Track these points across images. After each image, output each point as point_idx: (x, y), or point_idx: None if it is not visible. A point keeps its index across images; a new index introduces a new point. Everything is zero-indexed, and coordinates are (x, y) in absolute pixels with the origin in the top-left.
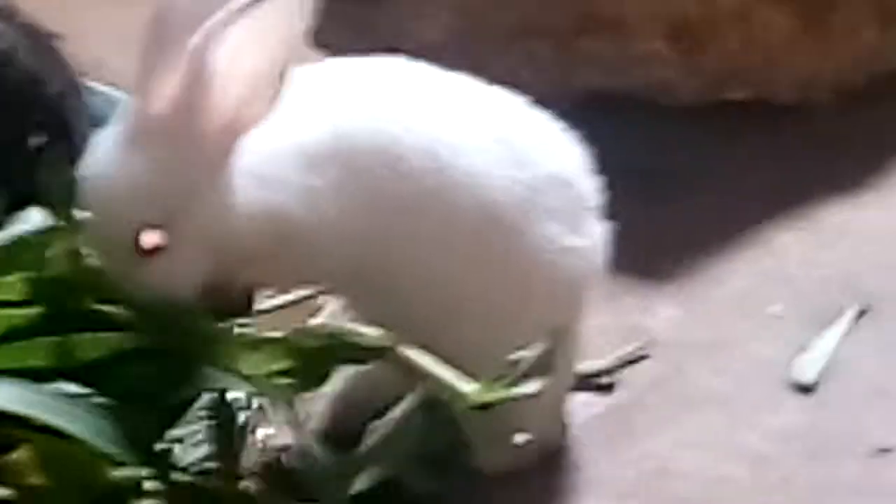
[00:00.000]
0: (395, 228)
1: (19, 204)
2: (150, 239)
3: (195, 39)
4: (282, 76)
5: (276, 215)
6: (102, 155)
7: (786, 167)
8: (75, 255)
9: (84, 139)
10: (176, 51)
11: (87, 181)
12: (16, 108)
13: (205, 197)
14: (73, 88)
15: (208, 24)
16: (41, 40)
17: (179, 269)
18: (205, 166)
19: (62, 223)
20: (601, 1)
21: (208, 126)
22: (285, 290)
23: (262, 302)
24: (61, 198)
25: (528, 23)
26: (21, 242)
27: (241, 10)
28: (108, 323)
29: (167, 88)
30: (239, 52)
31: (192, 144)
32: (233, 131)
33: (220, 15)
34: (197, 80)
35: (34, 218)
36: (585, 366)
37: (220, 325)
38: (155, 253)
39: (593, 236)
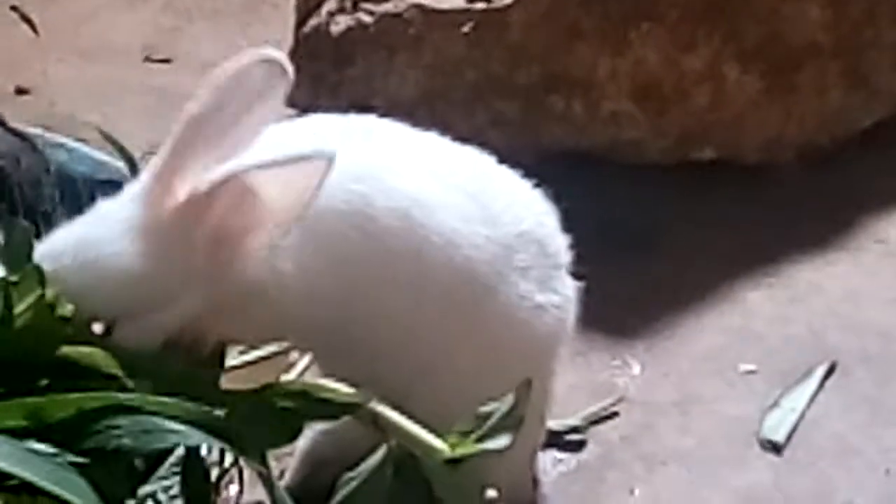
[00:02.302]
0: (363, 288)
1: None
2: (96, 328)
3: (226, 166)
4: (292, 222)
5: (240, 276)
6: (100, 232)
7: (753, 226)
8: (45, 305)
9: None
10: (200, 157)
11: (77, 256)
12: (24, 206)
13: (188, 292)
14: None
15: (244, 161)
16: (30, 141)
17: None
18: (191, 271)
19: (27, 277)
20: (569, 61)
21: (204, 241)
22: (256, 346)
23: (234, 358)
24: (26, 253)
25: (497, 82)
26: None
27: (277, 164)
28: (80, 374)
29: (181, 191)
30: (261, 191)
31: (185, 250)
32: (230, 252)
33: (256, 160)
34: (210, 202)
35: None
36: (556, 423)
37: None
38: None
39: (564, 293)
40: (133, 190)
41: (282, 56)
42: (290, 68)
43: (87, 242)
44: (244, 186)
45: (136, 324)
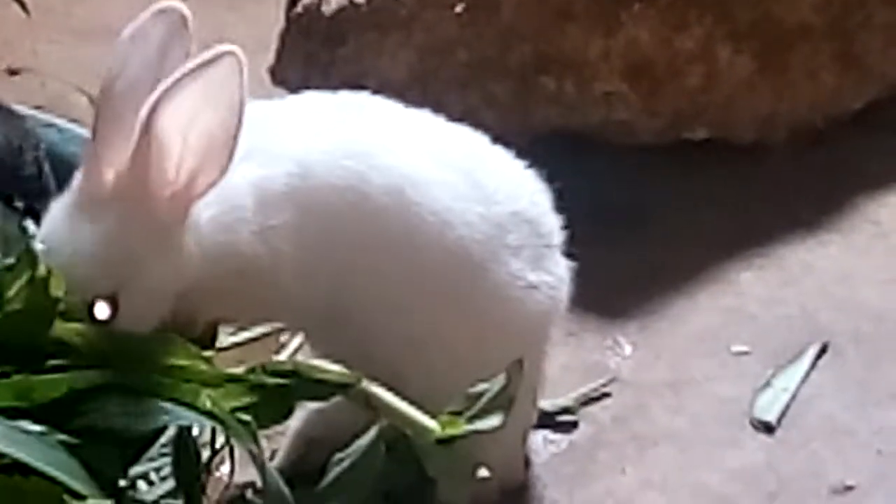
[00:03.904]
0: (357, 266)
1: None
2: (101, 311)
3: (143, 109)
4: (231, 138)
5: (234, 253)
6: (54, 225)
7: (745, 206)
8: (37, 287)
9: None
10: (127, 118)
11: (41, 250)
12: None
13: (157, 260)
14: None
15: (155, 92)
16: (8, 113)
17: (136, 321)
18: (157, 232)
19: (21, 259)
20: (561, 41)
21: (159, 194)
22: (248, 327)
23: (226, 338)
24: (18, 235)
25: (489, 62)
26: None
27: (187, 77)
28: (70, 355)
29: (119, 157)
30: (185, 116)
31: (142, 212)
32: (186, 198)
33: (166, 83)
34: (145, 149)
35: None
36: (548, 403)
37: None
38: (108, 320)
39: (557, 273)
40: (77, 177)
41: (178, 4)
42: (188, 15)
43: (48, 241)
44: (170, 121)
45: (131, 301)
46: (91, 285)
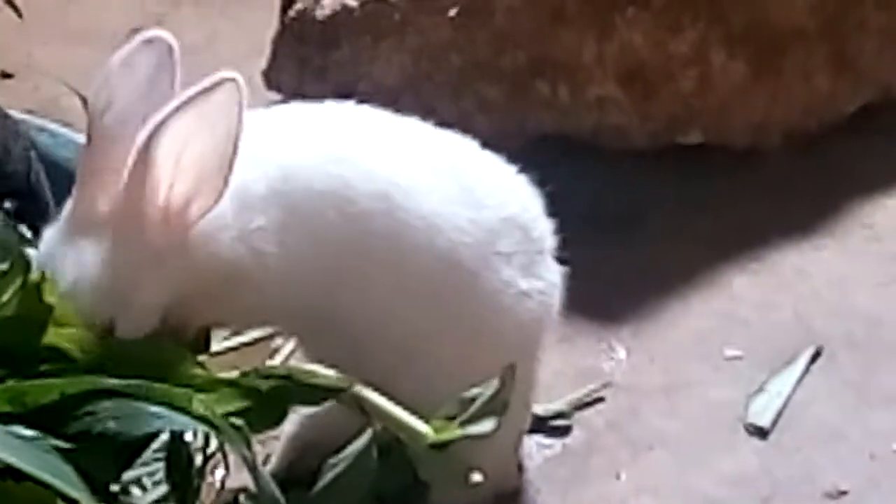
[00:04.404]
0: (344, 271)
1: None
2: (100, 333)
3: (140, 136)
4: (227, 166)
5: (217, 259)
6: (50, 253)
7: (739, 211)
8: (29, 292)
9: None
10: (118, 146)
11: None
12: None
13: (151, 284)
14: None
15: (152, 119)
16: None
17: (130, 334)
18: (151, 259)
19: (13, 265)
20: (554, 45)
21: (153, 221)
22: (240, 331)
23: (219, 343)
24: (10, 241)
25: (482, 66)
26: None
27: (184, 105)
28: (63, 361)
29: (111, 184)
30: (182, 143)
31: (137, 240)
32: (181, 223)
33: (163, 111)
34: (141, 176)
35: None
36: (541, 408)
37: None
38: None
39: (549, 279)
40: (69, 204)
41: (165, 35)
42: (175, 45)
43: (47, 262)
44: (167, 146)
45: (127, 321)
46: (88, 315)
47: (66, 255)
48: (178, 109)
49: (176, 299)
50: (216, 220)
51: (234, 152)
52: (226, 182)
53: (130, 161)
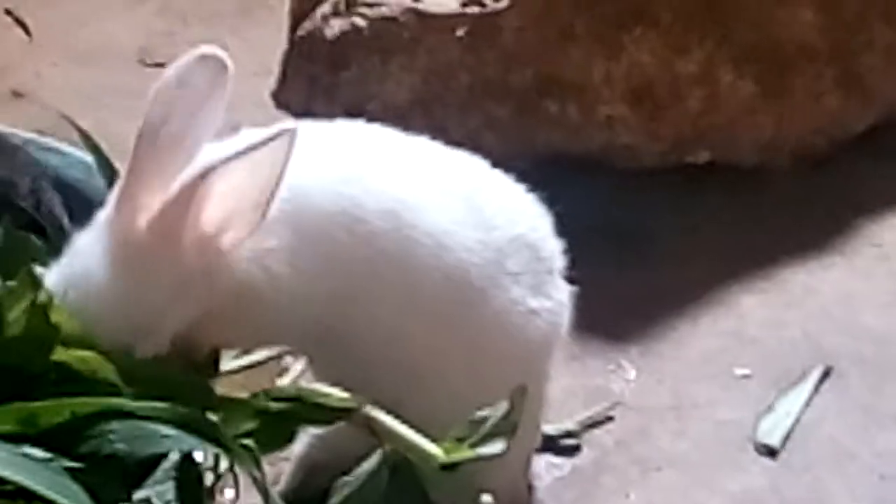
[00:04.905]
0: (354, 290)
1: None
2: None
3: (190, 168)
4: (267, 204)
5: (229, 279)
6: (80, 265)
7: (748, 230)
8: (38, 310)
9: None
10: (164, 167)
11: (65, 291)
12: None
13: (176, 309)
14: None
15: (207, 157)
16: (6, 146)
17: (147, 353)
18: (179, 283)
19: (21, 284)
20: (563, 64)
21: (186, 247)
22: (250, 351)
23: (229, 363)
24: (18, 259)
25: (491, 86)
26: None
27: (244, 152)
28: (73, 378)
29: (151, 204)
30: (232, 182)
31: (168, 262)
32: (211, 249)
33: (221, 153)
34: (184, 206)
35: None
36: (551, 427)
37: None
38: None
39: (557, 298)
40: (106, 215)
41: (219, 51)
42: (229, 63)
43: (73, 280)
44: (214, 182)
45: (147, 343)
46: (113, 339)
47: (97, 273)
48: (234, 156)
49: (190, 320)
50: None
51: (276, 192)
52: (262, 216)
53: (176, 188)
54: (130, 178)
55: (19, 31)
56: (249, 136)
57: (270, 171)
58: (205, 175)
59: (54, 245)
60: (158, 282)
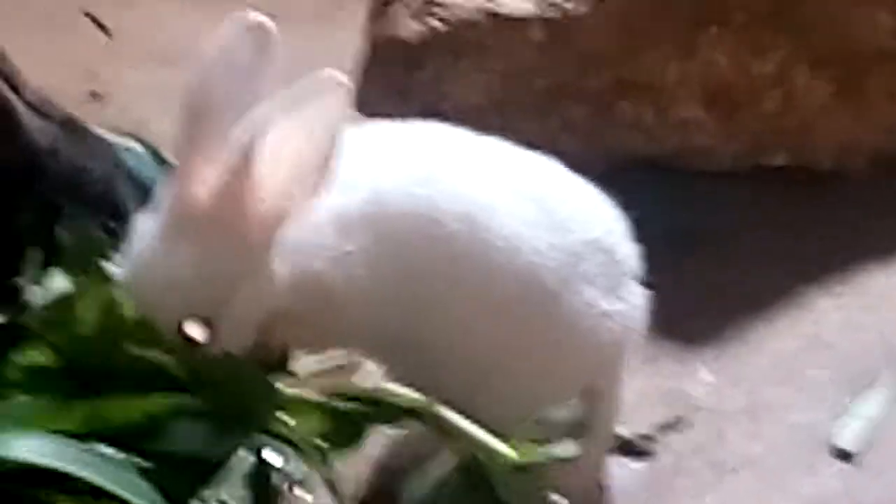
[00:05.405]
0: (430, 292)
1: None
2: (193, 332)
3: (238, 131)
4: (327, 164)
5: (311, 279)
6: (146, 245)
7: (824, 232)
8: (109, 307)
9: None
10: (216, 138)
11: (131, 271)
12: (64, 198)
13: (247, 282)
14: (116, 172)
15: (253, 115)
16: (80, 130)
17: (230, 343)
18: (248, 253)
19: (91, 279)
20: (638, 66)
21: (251, 216)
22: (322, 351)
23: (300, 363)
24: (88, 255)
25: (566, 87)
26: (52, 306)
27: (289, 103)
28: (145, 376)
29: (208, 177)
30: (282, 140)
31: (234, 233)
32: (276, 219)
33: (263, 108)
34: (240, 171)
35: (59, 281)
36: (624, 430)
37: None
38: (199, 342)
39: (632, 301)
40: (165, 194)
41: (263, 18)
42: (273, 29)
43: (139, 261)
44: (266, 144)
45: (226, 322)
46: (188, 306)
47: (164, 248)
48: (278, 109)
49: (266, 316)
50: (316, 241)
51: (334, 152)
52: (324, 181)
53: (229, 156)
54: (184, 154)
55: (98, 32)
56: (294, 91)
57: (326, 128)
58: (253, 135)
59: (123, 233)
60: (225, 253)
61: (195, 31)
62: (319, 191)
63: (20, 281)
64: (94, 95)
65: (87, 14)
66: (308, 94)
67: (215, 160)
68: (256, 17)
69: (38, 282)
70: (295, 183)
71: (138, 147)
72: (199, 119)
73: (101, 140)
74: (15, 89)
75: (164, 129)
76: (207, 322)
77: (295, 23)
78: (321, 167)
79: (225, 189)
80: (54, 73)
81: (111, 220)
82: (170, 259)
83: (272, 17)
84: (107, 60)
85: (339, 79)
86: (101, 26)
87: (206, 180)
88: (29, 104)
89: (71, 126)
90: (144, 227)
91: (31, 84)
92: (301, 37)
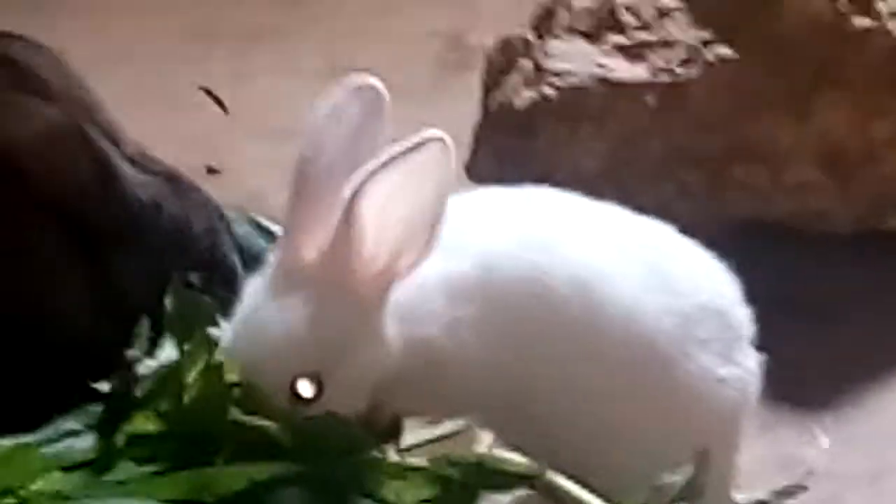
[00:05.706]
0: (540, 359)
1: None
2: (305, 390)
3: (346, 188)
4: (436, 221)
5: (422, 346)
6: (255, 304)
7: None
8: (213, 373)
9: (236, 272)
10: (325, 198)
11: (240, 330)
12: (168, 254)
13: (359, 342)
14: (220, 226)
15: (360, 173)
16: (182, 185)
17: (341, 405)
18: (358, 313)
19: (197, 346)
20: (753, 129)
21: (361, 275)
22: (434, 419)
23: (410, 430)
24: (193, 321)
25: (681, 152)
26: (161, 374)
27: (393, 160)
28: (250, 442)
29: (318, 237)
30: (391, 198)
31: (344, 293)
32: (386, 278)
33: (371, 164)
34: (349, 230)
35: (168, 350)
36: (743, 497)
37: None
38: (311, 401)
39: (746, 366)
40: (274, 256)
41: (374, 80)
42: (384, 91)
43: (248, 321)
44: (371, 202)
45: (337, 383)
46: (297, 363)
47: (272, 307)
48: (384, 166)
49: (378, 379)
50: (426, 305)
51: (441, 211)
52: (432, 240)
53: (336, 216)
54: (293, 215)
55: (215, 107)
56: (399, 147)
57: (432, 186)
58: (360, 192)
59: (229, 292)
60: (338, 311)
61: (310, 107)
62: (429, 251)
63: (130, 352)
64: (211, 170)
65: (204, 89)
66: (413, 151)
67: (324, 218)
68: (367, 78)
69: (148, 352)
70: (404, 242)
71: (256, 219)
72: (309, 177)
73: (203, 194)
74: (115, 143)
75: (281, 203)
76: (318, 383)
77: (411, 93)
78: (430, 225)
79: (334, 247)
80: (170, 148)
81: (215, 274)
82: (283, 315)
83: (387, 85)
84: (223, 135)
85: (443, 137)
86: (219, 101)
87: (315, 238)
88: (130, 159)
89: (175, 180)
90: (253, 289)
91: (132, 139)
92: (415, 105)
